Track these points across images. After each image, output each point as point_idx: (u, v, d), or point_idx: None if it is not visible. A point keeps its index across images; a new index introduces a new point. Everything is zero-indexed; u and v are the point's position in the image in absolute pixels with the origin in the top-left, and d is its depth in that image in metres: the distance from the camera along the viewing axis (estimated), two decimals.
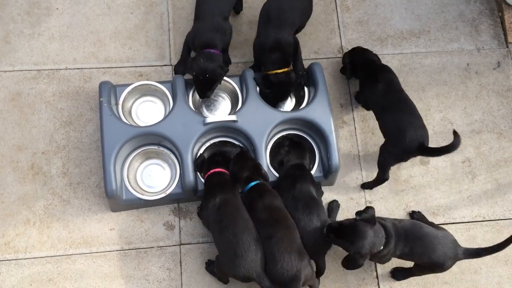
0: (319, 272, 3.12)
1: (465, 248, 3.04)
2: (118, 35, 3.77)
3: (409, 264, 3.23)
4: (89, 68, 3.68)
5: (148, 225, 3.38)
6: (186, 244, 3.37)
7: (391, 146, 3.27)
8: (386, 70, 3.45)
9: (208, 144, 3.39)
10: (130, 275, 3.28)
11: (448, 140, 3.69)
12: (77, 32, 3.75)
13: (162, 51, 3.75)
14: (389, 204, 3.53)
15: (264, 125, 3.33)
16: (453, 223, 3.53)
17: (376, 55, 3.59)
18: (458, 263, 3.37)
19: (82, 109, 3.58)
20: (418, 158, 3.63)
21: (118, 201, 3.24)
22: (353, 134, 3.68)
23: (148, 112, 3.50)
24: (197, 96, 3.44)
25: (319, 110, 3.39)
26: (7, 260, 3.26)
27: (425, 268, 3.13)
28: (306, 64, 3.60)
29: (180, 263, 3.33)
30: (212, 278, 3.28)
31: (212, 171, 3.16)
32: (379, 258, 3.01)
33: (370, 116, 3.71)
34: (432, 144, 3.66)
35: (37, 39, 3.71)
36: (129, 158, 3.34)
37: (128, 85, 3.44)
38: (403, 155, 3.26)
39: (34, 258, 3.28)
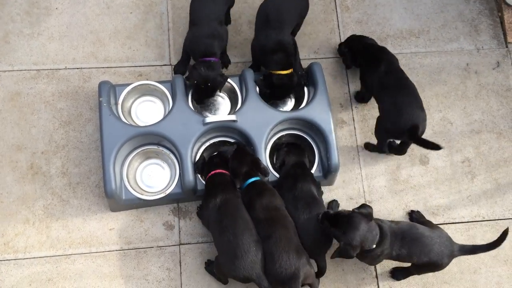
0: (321, 272, 3.12)
1: (461, 245, 3.05)
2: (118, 34, 3.77)
3: (408, 263, 3.23)
4: (89, 68, 3.67)
5: (147, 225, 3.38)
6: (186, 244, 3.37)
7: (385, 120, 3.32)
8: (385, 51, 3.49)
9: (207, 144, 3.39)
10: (129, 275, 3.28)
11: (447, 140, 3.71)
12: (76, 32, 3.75)
13: (162, 51, 3.75)
14: (389, 204, 3.54)
15: (263, 125, 3.33)
16: (453, 223, 3.53)
17: (373, 39, 3.64)
18: (458, 263, 3.38)
19: (81, 109, 3.58)
20: (418, 158, 3.64)
21: (118, 201, 3.24)
22: (353, 134, 3.68)
23: (147, 112, 3.50)
24: None
25: (318, 110, 3.39)
26: (7, 260, 3.26)
27: (423, 268, 3.13)
28: (306, 64, 3.60)
29: (180, 263, 3.33)
30: (211, 278, 3.28)
31: (213, 172, 3.16)
32: (372, 258, 3.00)
33: (370, 116, 3.71)
34: None
35: (36, 39, 3.71)
36: (129, 158, 3.33)
37: (128, 85, 3.44)
38: (395, 133, 3.30)
39: (34, 258, 3.27)
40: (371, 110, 3.72)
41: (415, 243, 2.97)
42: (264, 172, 3.17)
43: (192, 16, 3.45)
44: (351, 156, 3.63)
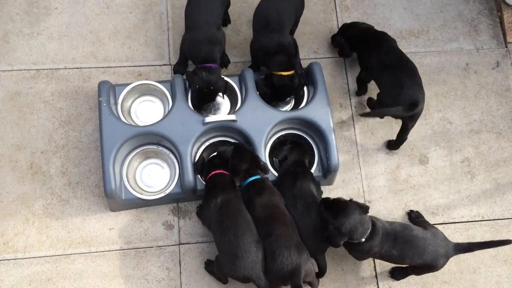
0: (321, 272, 3.12)
1: (456, 243, 3.04)
2: (117, 34, 3.77)
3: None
4: (88, 68, 3.67)
5: (147, 225, 3.38)
6: (185, 243, 3.37)
7: (385, 97, 3.33)
8: (385, 34, 3.53)
9: (207, 143, 3.39)
10: (129, 275, 3.28)
11: (447, 140, 3.71)
12: (76, 32, 3.75)
13: (161, 51, 3.75)
14: (388, 203, 3.54)
15: (263, 125, 3.33)
16: (452, 222, 3.53)
17: (365, 23, 3.67)
18: (457, 262, 3.39)
19: (81, 108, 3.58)
20: (417, 157, 3.64)
21: (117, 200, 3.24)
22: (353, 134, 3.68)
23: (147, 111, 3.50)
24: None
25: (318, 110, 3.39)
26: (6, 259, 3.26)
27: (418, 269, 3.14)
28: (305, 63, 3.60)
29: (179, 262, 3.33)
30: (211, 278, 3.28)
31: (213, 172, 3.16)
32: (359, 252, 3.02)
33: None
34: (432, 144, 3.68)
35: (36, 38, 3.71)
36: (128, 157, 3.33)
37: (127, 84, 3.44)
38: (394, 108, 3.30)
39: (33, 257, 3.27)
40: None
41: (408, 245, 2.97)
42: (264, 169, 3.18)
43: (188, 21, 3.41)
44: (351, 156, 3.63)
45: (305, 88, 3.55)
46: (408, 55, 3.70)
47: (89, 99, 3.60)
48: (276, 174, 3.32)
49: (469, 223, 3.54)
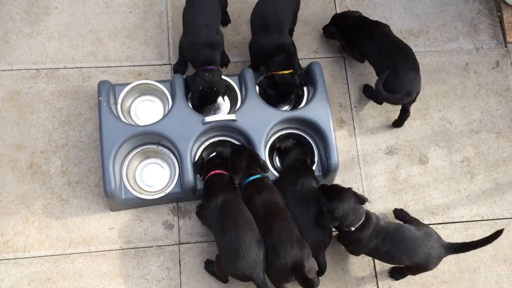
0: (321, 270, 3.12)
1: (449, 243, 3.04)
2: (117, 34, 3.77)
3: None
4: (88, 67, 3.67)
5: (147, 225, 3.38)
6: (185, 243, 3.37)
7: (382, 83, 3.34)
8: (378, 22, 3.56)
9: (207, 143, 3.39)
10: (129, 274, 3.28)
11: (447, 140, 3.71)
12: (76, 31, 3.75)
13: (161, 50, 3.75)
14: (388, 203, 3.54)
15: (263, 124, 3.33)
16: (452, 222, 3.53)
17: (357, 11, 3.72)
18: (457, 262, 3.39)
19: (81, 108, 3.58)
20: (417, 157, 3.64)
21: (117, 200, 3.24)
22: (352, 134, 3.68)
23: (147, 111, 3.49)
24: None
25: (318, 109, 3.39)
26: (6, 259, 3.25)
27: (413, 268, 3.15)
28: (305, 63, 3.60)
29: (179, 262, 3.33)
30: (211, 277, 3.28)
31: (212, 172, 3.16)
32: (349, 241, 3.07)
33: (369, 115, 3.71)
34: (431, 144, 3.68)
35: (35, 38, 3.71)
36: (128, 157, 3.33)
37: (127, 84, 3.43)
38: (392, 96, 3.34)
39: (33, 257, 3.27)
40: (371, 110, 3.72)
41: (396, 246, 2.99)
42: (263, 167, 3.18)
43: (187, 25, 3.40)
44: (351, 156, 3.63)
45: (304, 88, 3.56)
46: None
47: (89, 98, 3.60)
48: (276, 174, 3.32)
49: (468, 223, 3.54)
